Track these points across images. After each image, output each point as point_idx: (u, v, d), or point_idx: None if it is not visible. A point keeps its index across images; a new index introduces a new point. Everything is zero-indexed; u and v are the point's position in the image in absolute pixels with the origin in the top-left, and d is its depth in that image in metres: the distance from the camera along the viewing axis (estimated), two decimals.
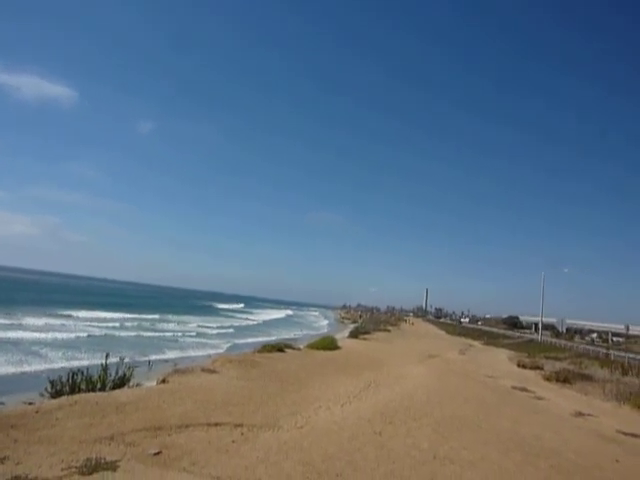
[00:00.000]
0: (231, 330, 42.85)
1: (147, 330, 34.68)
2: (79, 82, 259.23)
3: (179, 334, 33.75)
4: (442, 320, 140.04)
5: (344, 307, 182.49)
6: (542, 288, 54.37)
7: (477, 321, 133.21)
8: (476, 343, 47.67)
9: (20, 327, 27.70)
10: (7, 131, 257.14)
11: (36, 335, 24.70)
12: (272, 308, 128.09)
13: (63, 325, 31.67)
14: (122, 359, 10.19)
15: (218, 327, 44.37)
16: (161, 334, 32.61)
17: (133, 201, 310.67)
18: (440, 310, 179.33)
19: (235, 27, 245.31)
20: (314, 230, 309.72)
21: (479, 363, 25.26)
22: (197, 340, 30.79)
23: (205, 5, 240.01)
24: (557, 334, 65.77)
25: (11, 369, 15.83)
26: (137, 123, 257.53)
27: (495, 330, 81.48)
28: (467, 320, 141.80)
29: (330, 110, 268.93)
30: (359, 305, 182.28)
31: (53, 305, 45.85)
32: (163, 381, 10.66)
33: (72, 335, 26.32)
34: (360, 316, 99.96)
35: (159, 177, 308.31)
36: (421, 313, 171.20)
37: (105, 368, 9.59)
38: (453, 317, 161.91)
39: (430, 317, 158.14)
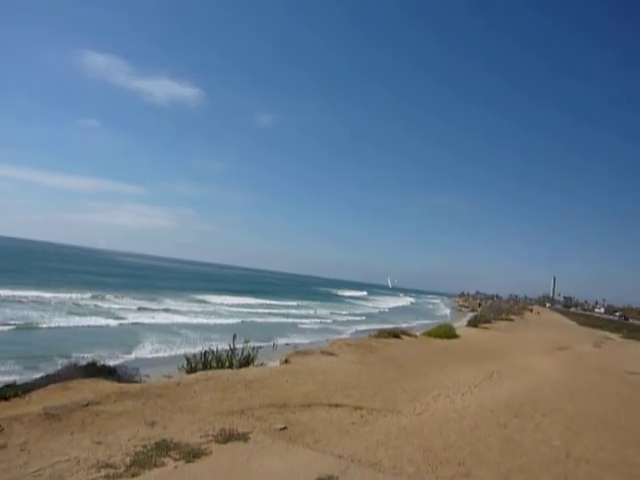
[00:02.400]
0: (363, 317, 43.27)
1: (289, 317, 36.41)
2: (205, 82, 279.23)
3: (326, 320, 35.35)
4: (572, 310, 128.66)
5: (462, 295, 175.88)
6: None
7: (614, 311, 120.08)
8: (614, 336, 42.94)
9: (168, 311, 31.14)
10: (143, 132, 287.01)
11: (178, 319, 27.39)
12: (393, 296, 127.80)
13: (202, 310, 34.52)
14: (247, 341, 10.89)
15: (348, 314, 45.49)
16: (305, 320, 34.31)
17: (251, 191, 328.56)
18: (569, 299, 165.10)
19: (355, 28, 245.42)
20: (432, 214, 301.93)
21: (619, 358, 22.78)
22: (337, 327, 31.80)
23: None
24: None
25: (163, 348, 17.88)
26: (257, 117, 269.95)
27: (637, 322, 72.82)
28: (602, 310, 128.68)
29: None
30: (478, 293, 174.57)
31: (190, 291, 50.26)
32: (286, 361, 11.23)
33: (211, 320, 28.50)
34: (479, 304, 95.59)
35: (279, 167, 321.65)
36: (548, 302, 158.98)
37: (233, 348, 10.38)
38: (585, 307, 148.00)
39: (558, 306, 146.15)
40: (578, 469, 5.94)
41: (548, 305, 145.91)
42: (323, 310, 47.31)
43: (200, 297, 44.16)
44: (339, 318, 39.91)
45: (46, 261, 77.58)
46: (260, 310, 39.50)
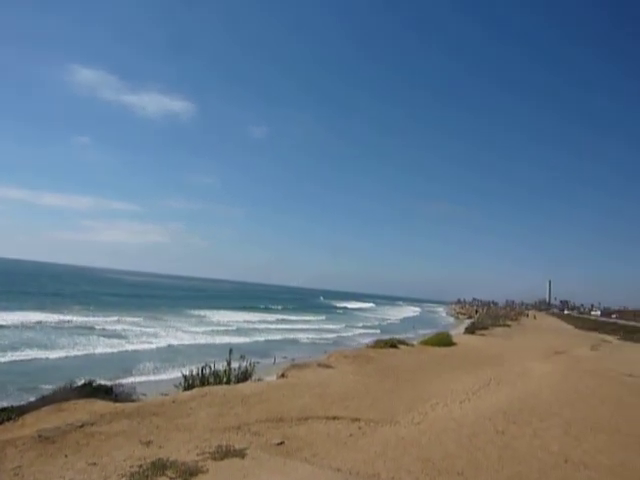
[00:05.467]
0: (378, 331, 41.32)
1: (290, 332, 35.32)
2: (196, 95, 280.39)
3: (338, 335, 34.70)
4: (568, 313, 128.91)
5: (458, 302, 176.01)
6: None
7: (610, 314, 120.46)
8: (611, 338, 43.02)
9: (168, 329, 30.71)
10: (135, 147, 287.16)
11: (179, 337, 26.86)
12: (396, 306, 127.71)
13: (203, 330, 33.83)
14: (242, 357, 10.84)
15: (363, 327, 44.81)
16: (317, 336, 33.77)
17: (244, 204, 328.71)
18: (565, 302, 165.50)
19: (355, 41, 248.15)
20: (427, 220, 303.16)
21: (616, 361, 22.81)
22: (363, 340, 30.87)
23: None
24: None
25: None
26: (249, 129, 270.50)
27: (633, 323, 73.00)
28: (598, 313, 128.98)
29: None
30: (474, 299, 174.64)
31: (187, 307, 49.90)
32: (282, 375, 11.18)
33: (209, 340, 27.50)
34: (476, 311, 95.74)
35: (272, 179, 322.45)
36: (544, 306, 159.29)
37: (229, 363, 10.35)
38: (581, 310, 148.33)
39: (554, 310, 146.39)
40: (577, 474, 5.93)
41: (544, 309, 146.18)
42: (332, 324, 45.82)
43: (198, 313, 43.97)
44: (348, 333, 38.61)
45: (40, 282, 76.97)
46: (260, 326, 39.02)
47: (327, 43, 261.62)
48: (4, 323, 26.49)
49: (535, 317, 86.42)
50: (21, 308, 33.70)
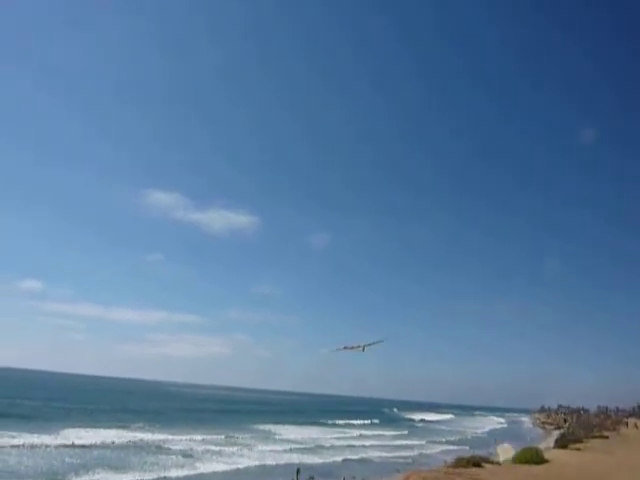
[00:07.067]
0: (466, 447, 37.74)
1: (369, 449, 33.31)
2: (259, 209, 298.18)
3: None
4: None
5: (542, 410, 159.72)
6: None
7: None
8: None
9: (243, 448, 29.57)
10: (201, 262, 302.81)
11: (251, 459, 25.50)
12: (475, 416, 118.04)
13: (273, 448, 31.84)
14: (312, 478, 10.28)
15: (446, 442, 41.78)
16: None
17: (304, 313, 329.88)
18: None
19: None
20: (501, 320, 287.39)
21: None
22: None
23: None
24: None
25: None
26: (310, 238, 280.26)
27: None
28: None
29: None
30: (560, 406, 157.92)
31: (257, 422, 48.24)
32: None
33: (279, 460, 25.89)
34: (565, 420, 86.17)
35: (332, 286, 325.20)
36: None
37: None
38: None
39: None
40: None
41: None
42: (412, 439, 42.85)
43: (267, 428, 42.55)
44: (431, 449, 35.78)
45: (111, 398, 78.52)
46: (332, 442, 36.79)
47: (390, 153, 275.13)
48: (77, 442, 26.79)
49: (637, 426, 76.30)
50: (93, 425, 34.18)
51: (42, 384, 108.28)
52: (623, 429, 66.68)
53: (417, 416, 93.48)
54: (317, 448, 32.40)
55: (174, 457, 24.31)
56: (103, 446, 26.58)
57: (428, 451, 34.62)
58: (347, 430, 48.91)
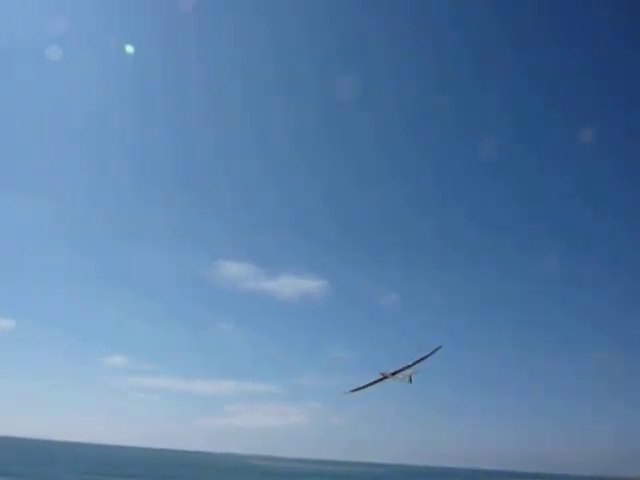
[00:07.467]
0: None
1: None
2: (327, 272, 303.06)
3: None
4: None
5: None
6: None
7: None
8: None
9: None
10: (273, 329, 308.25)
11: None
12: None
13: None
14: None
15: None
16: None
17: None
18: None
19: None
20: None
21: None
22: None
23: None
24: None
25: None
26: (381, 298, 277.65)
27: None
28: None
29: None
30: None
31: None
32: None
33: None
34: None
35: (404, 347, 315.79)
36: None
37: None
38: None
39: None
40: None
41: None
42: None
43: None
44: None
45: (190, 473, 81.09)
46: None
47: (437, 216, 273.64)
48: None
49: None
50: None
51: (130, 460, 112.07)
52: None
53: None
54: None
55: None
56: None
57: None
58: None
